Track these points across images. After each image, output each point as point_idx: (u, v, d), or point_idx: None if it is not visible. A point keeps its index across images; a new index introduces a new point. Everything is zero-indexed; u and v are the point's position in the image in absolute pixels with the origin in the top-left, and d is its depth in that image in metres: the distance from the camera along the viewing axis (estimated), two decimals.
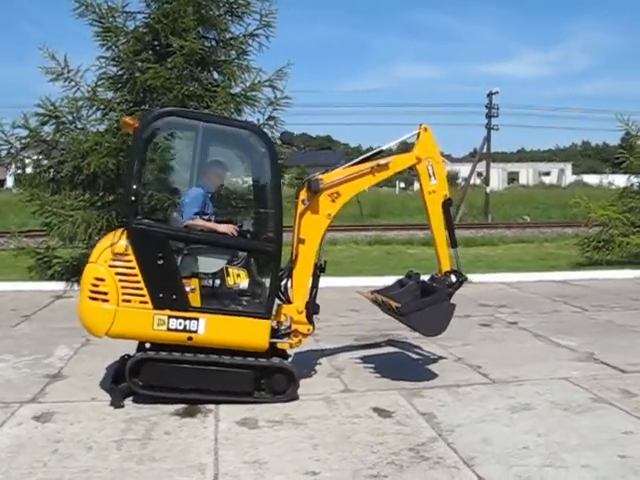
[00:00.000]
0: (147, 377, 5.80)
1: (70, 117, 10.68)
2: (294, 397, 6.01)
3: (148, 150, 6.60)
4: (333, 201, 6.28)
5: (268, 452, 4.89)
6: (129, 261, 5.67)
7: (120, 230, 5.86)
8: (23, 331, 8.93)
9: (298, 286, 6.24)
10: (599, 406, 5.90)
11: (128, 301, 5.66)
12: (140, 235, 5.74)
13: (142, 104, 10.61)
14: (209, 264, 5.99)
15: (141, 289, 5.67)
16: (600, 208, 16.59)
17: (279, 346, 6.16)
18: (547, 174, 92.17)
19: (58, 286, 11.01)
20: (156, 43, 10.89)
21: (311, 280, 6.35)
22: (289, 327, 6.23)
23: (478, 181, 57.24)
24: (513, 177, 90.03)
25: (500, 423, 5.50)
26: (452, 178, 57.17)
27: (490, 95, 42.47)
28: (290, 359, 6.34)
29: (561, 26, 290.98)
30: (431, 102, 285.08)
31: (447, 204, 6.80)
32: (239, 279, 6.04)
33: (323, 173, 6.33)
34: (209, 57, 11.01)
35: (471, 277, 9.34)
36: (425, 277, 7.07)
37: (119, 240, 5.72)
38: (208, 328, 5.75)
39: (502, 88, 53.63)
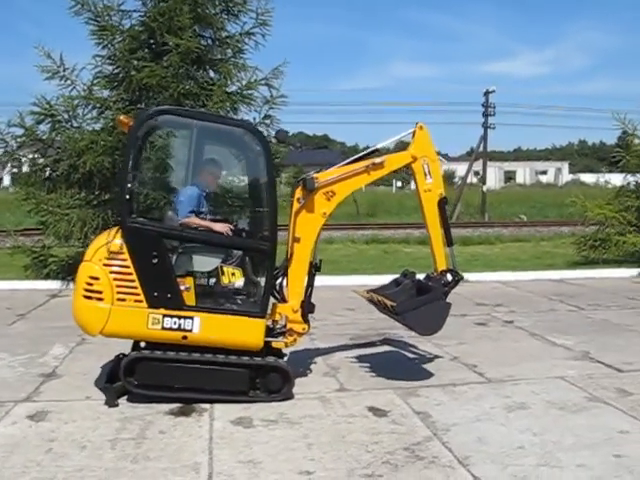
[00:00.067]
0: (142, 376, 5.79)
1: (66, 116, 10.65)
2: (289, 396, 6.00)
3: (143, 149, 6.57)
4: (328, 200, 6.27)
5: (263, 451, 4.88)
6: (124, 260, 5.66)
7: (115, 229, 5.85)
8: (18, 330, 8.91)
9: (293, 285, 6.23)
10: (595, 405, 5.90)
11: (123, 300, 5.65)
12: (135, 234, 5.72)
13: (138, 103, 10.60)
14: (204, 263, 5.98)
15: (136, 288, 5.66)
16: (596, 207, 16.60)
17: (274, 345, 6.15)
18: (544, 173, 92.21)
19: (54, 285, 10.99)
20: (152, 41, 10.86)
21: (306, 279, 6.34)
22: (284, 326, 6.22)
23: (475, 180, 57.23)
24: (510, 176, 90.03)
25: (496, 422, 5.50)
26: (449, 177, 57.29)
27: (487, 94, 42.40)
28: (285, 358, 6.34)
29: (558, 25, 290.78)
30: (428, 101, 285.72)
31: (443, 203, 6.79)
32: (234, 278, 6.02)
33: (318, 172, 6.32)
34: (205, 55, 10.99)
35: (467, 276, 9.35)
36: (421, 276, 7.06)
37: (114, 239, 5.71)
38: (203, 327, 5.74)
39: (499, 87, 53.89)
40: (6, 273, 12.92)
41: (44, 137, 10.72)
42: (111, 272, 5.64)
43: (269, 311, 6.10)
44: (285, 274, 6.23)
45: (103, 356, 6.96)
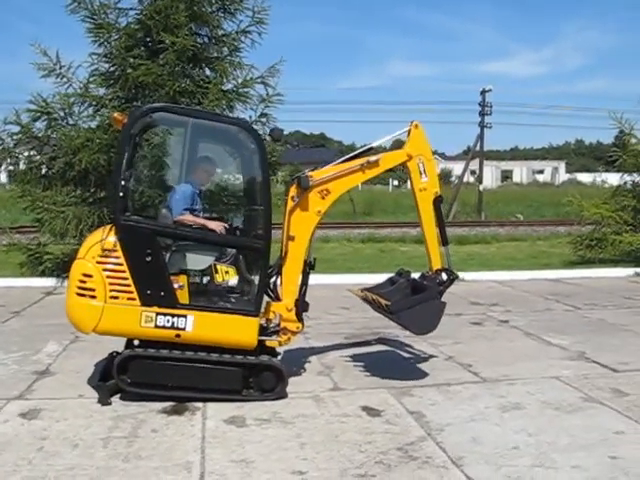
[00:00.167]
0: (135, 374, 5.76)
1: (62, 113, 10.67)
2: (283, 395, 5.97)
3: (137, 146, 6.54)
4: (323, 198, 6.24)
5: (255, 451, 4.85)
6: (117, 257, 5.63)
7: (109, 226, 5.82)
8: (12, 327, 8.87)
9: (287, 283, 6.20)
10: (590, 406, 5.88)
11: (116, 298, 5.61)
12: (128, 231, 5.69)
13: (134, 100, 10.60)
14: (197, 261, 5.95)
15: (129, 285, 5.62)
16: (593, 206, 16.63)
17: (268, 344, 6.12)
18: (541, 172, 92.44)
19: (49, 282, 10.97)
20: (148, 39, 10.87)
21: (301, 277, 6.32)
22: (278, 325, 6.19)
23: (471, 179, 57.38)
24: (507, 175, 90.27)
25: (490, 422, 5.48)
26: (445, 176, 57.31)
27: (483, 93, 42.42)
28: (279, 357, 6.32)
29: (555, 25, 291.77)
30: (425, 100, 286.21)
31: (438, 201, 6.76)
32: (228, 276, 6.01)
33: (313, 170, 6.29)
34: (201, 54, 10.99)
35: (463, 275, 9.34)
36: (416, 275, 7.04)
37: (107, 236, 5.68)
38: (196, 325, 5.71)
39: (496, 86, 53.91)
40: (1, 270, 12.91)
41: (40, 135, 10.74)
42: (104, 270, 5.61)
43: (263, 310, 6.07)
44: (279, 272, 6.19)
45: (96, 354, 6.92)
